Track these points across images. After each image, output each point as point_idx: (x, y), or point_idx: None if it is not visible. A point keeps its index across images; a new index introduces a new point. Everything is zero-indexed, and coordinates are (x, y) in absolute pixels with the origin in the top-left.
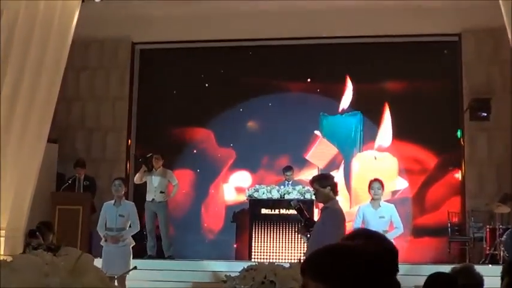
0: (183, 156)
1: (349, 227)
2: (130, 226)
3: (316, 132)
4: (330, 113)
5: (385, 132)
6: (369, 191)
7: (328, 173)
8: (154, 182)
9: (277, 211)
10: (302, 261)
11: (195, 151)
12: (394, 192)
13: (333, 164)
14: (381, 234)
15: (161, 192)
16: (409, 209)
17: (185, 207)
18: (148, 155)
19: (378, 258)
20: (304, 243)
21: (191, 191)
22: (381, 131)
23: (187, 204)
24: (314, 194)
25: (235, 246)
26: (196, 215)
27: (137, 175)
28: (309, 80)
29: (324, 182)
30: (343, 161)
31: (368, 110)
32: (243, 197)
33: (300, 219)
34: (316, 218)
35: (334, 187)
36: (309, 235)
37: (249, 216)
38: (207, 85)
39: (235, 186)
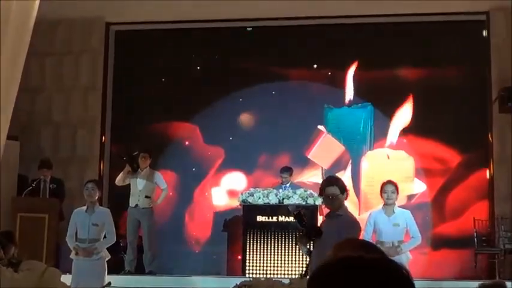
0: (165, 155)
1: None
2: (105, 236)
3: (320, 127)
4: (336, 104)
5: (400, 126)
6: (381, 195)
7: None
8: (139, 184)
9: (275, 218)
10: (309, 275)
11: (178, 149)
12: (410, 197)
13: (339, 164)
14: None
15: (147, 197)
16: (428, 215)
17: (167, 213)
18: (134, 153)
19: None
20: (304, 255)
21: (174, 195)
22: (394, 126)
23: (169, 210)
24: (326, 200)
25: (226, 259)
26: (179, 223)
27: (120, 176)
28: (315, 66)
29: (343, 186)
30: (350, 161)
31: (380, 101)
32: (235, 202)
33: (299, 226)
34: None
35: (347, 193)
36: (309, 246)
37: (243, 225)
38: (193, 73)
39: (227, 190)
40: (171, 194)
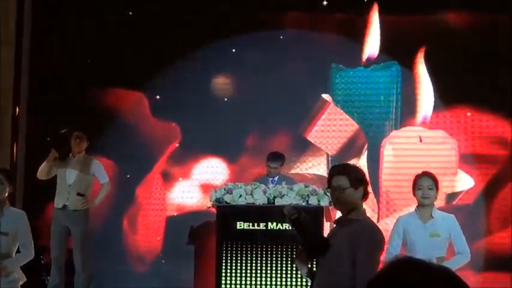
0: (100, 135)
1: None
2: (18, 251)
3: (325, 96)
4: (348, 64)
5: (438, 95)
6: (414, 193)
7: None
8: (69, 177)
9: (262, 225)
10: None
11: (119, 127)
12: (450, 196)
13: (350, 149)
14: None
15: (79, 194)
16: (479, 221)
17: (102, 217)
18: (63, 131)
19: None
20: (303, 278)
21: (112, 192)
22: (430, 95)
23: (105, 213)
24: (335, 196)
25: (193, 281)
26: (118, 231)
27: (43, 166)
28: (324, 2)
29: (359, 177)
30: (366, 145)
31: (411, 60)
32: (204, 203)
33: (298, 237)
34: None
35: (366, 190)
36: (311, 265)
37: (217, 234)
38: (144, 19)
39: (193, 184)
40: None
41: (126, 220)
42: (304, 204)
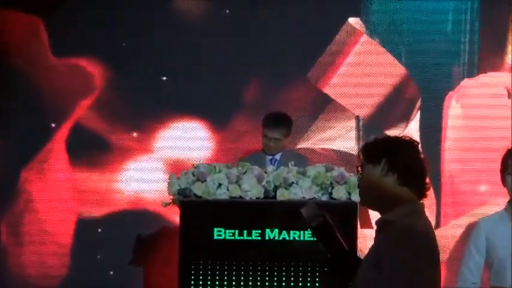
0: None
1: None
2: None
3: (353, 22)
4: None
5: None
6: (503, 179)
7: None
8: None
9: (256, 235)
10: None
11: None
12: None
13: (392, 111)
14: None
15: None
16: None
17: None
18: None
19: None
20: None
21: None
22: None
23: None
24: (360, 185)
25: None
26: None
27: None
28: None
29: (395, 152)
30: (420, 101)
31: None
32: (160, 194)
33: (324, 252)
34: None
35: (417, 175)
36: None
37: (180, 248)
38: None
39: (145, 167)
40: None
41: (5, 226)
42: (324, 198)
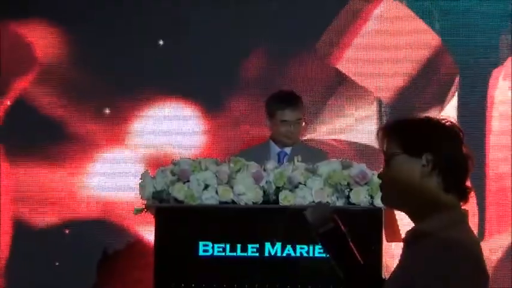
0: None
1: None
2: None
3: None
4: None
5: None
6: None
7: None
8: None
9: (253, 250)
10: None
11: None
12: None
13: (423, 93)
14: None
15: None
16: None
17: None
18: None
19: None
20: None
21: None
22: None
23: None
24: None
25: None
26: None
27: None
28: None
29: (440, 145)
30: (458, 82)
31: None
32: (130, 197)
33: (335, 270)
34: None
35: (459, 171)
36: None
37: (155, 266)
38: None
39: (115, 158)
40: None
41: None
42: (340, 203)
